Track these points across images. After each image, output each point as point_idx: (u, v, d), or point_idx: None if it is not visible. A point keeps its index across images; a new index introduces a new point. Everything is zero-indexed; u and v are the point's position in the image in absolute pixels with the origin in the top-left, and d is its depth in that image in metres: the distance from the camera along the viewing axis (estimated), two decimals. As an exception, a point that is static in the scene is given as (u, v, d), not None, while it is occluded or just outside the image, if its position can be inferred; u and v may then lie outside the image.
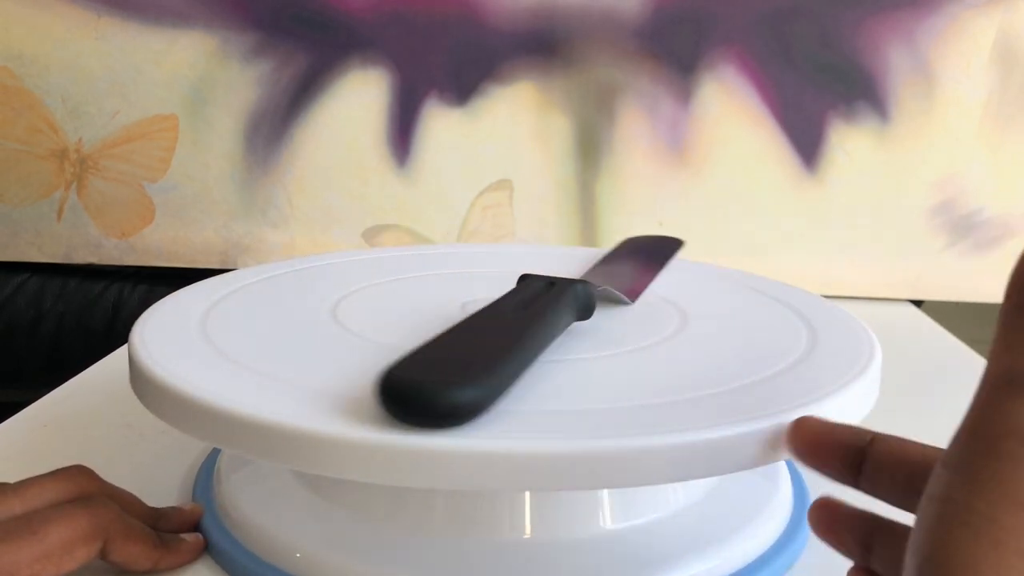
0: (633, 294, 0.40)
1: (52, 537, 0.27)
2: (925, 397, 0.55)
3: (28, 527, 0.27)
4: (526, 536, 0.31)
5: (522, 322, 0.29)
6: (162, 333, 0.33)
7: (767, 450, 0.26)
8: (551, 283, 0.34)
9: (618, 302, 0.39)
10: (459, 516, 0.31)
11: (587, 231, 0.71)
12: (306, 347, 0.33)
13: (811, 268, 0.71)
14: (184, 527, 0.33)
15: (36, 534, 0.27)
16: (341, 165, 0.69)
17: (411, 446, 0.24)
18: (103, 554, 0.28)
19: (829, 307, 0.39)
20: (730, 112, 0.68)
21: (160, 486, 0.37)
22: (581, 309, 0.33)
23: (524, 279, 0.35)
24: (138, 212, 0.70)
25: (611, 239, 0.70)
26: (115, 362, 0.54)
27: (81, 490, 0.30)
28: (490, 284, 0.38)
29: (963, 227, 0.69)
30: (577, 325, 0.34)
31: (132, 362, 0.31)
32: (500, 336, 0.28)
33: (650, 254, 0.47)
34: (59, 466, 0.31)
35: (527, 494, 0.31)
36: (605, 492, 0.31)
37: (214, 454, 0.38)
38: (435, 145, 0.69)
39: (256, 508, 0.33)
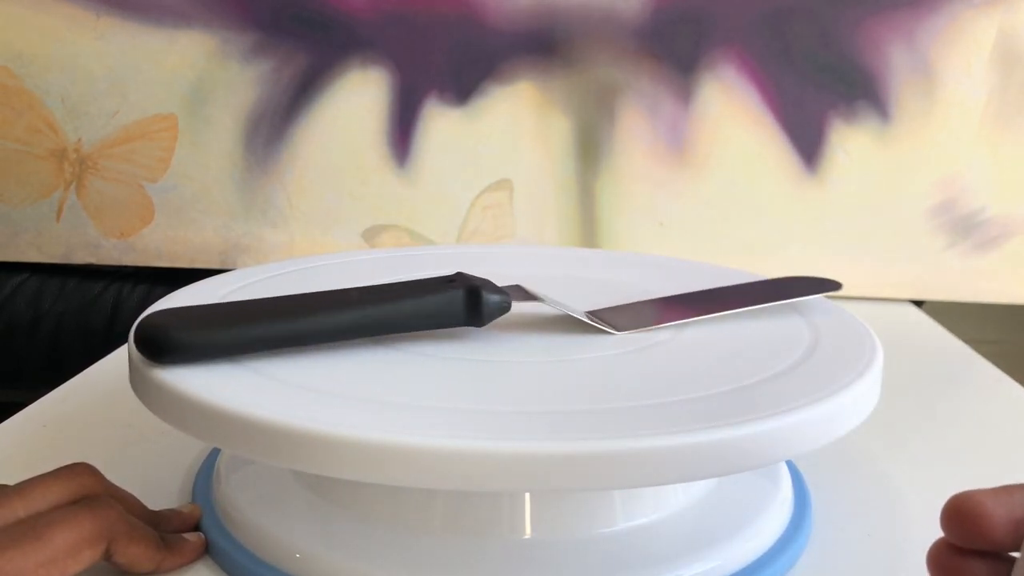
0: (624, 325, 0.36)
1: (57, 541, 0.27)
2: (925, 397, 0.55)
3: (33, 532, 0.26)
4: (526, 536, 0.31)
5: (338, 303, 0.31)
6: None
7: (768, 451, 0.26)
8: (450, 280, 0.34)
9: (597, 330, 0.35)
10: (459, 516, 0.31)
11: (587, 231, 0.71)
12: (305, 347, 0.33)
13: (811, 268, 0.70)
14: (184, 529, 0.33)
15: (41, 539, 0.26)
16: (341, 165, 0.69)
17: (409, 445, 0.24)
18: (107, 555, 0.28)
19: (830, 307, 0.39)
20: (730, 112, 0.68)
21: (160, 486, 0.37)
22: (464, 312, 0.33)
23: (455, 276, 0.34)
24: (137, 212, 0.70)
25: (611, 239, 0.70)
26: (115, 362, 0.54)
27: (84, 490, 0.30)
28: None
29: (964, 227, 0.69)
30: (576, 325, 0.34)
31: (132, 362, 0.31)
32: (278, 306, 0.31)
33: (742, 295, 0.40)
34: (59, 466, 0.31)
35: (527, 495, 0.31)
36: (605, 493, 0.31)
37: (214, 454, 0.38)
38: (435, 145, 0.69)
39: (256, 508, 0.33)
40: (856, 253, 0.70)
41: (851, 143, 0.68)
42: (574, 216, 0.70)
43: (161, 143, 0.69)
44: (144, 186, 0.70)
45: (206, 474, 0.37)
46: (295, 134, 0.68)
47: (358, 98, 0.68)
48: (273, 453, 0.26)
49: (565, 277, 0.45)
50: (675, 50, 0.67)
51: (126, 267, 0.72)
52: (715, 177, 0.69)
